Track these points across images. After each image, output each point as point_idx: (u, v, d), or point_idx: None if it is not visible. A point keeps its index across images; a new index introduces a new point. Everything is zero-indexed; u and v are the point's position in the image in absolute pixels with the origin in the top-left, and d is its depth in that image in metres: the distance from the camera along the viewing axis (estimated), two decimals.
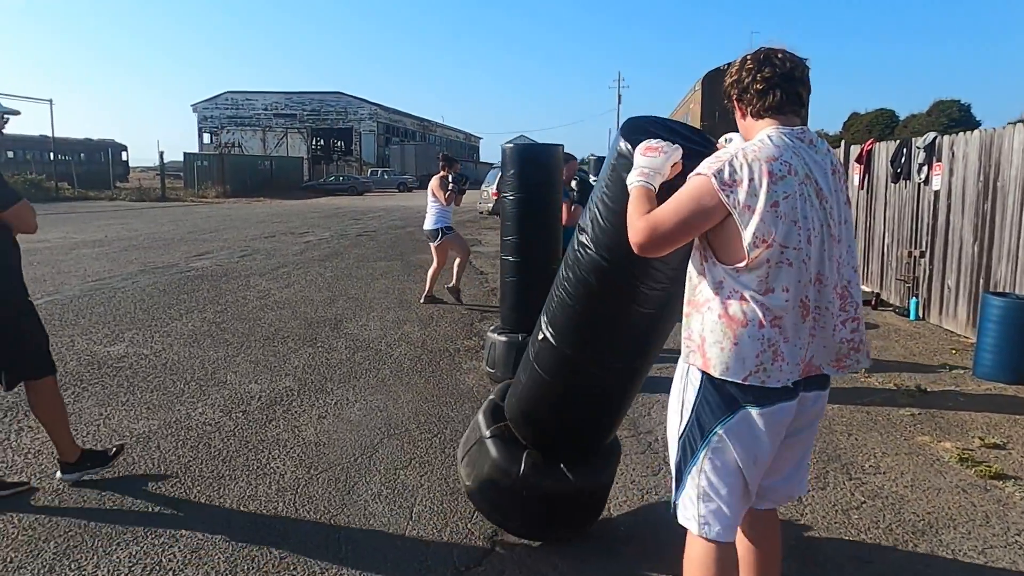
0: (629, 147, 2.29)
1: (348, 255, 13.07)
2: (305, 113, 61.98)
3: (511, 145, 5.51)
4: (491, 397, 3.39)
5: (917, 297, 7.80)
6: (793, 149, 1.99)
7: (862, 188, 9.41)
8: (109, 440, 4.16)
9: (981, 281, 6.64)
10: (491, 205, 19.44)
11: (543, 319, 2.93)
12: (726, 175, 1.95)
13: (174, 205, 30.53)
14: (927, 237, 7.72)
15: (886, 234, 8.79)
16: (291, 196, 39.53)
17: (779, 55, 2.09)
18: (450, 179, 8.32)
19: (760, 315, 1.95)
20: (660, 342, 2.76)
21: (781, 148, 1.98)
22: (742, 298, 1.98)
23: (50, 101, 31.38)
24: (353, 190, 44.89)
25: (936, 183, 7.51)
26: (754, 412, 2.05)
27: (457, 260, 8.51)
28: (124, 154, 53.33)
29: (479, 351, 6.39)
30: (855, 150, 10.15)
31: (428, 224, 8.41)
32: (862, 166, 9.41)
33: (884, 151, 8.91)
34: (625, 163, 2.27)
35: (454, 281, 8.58)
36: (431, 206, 8.39)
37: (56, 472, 3.67)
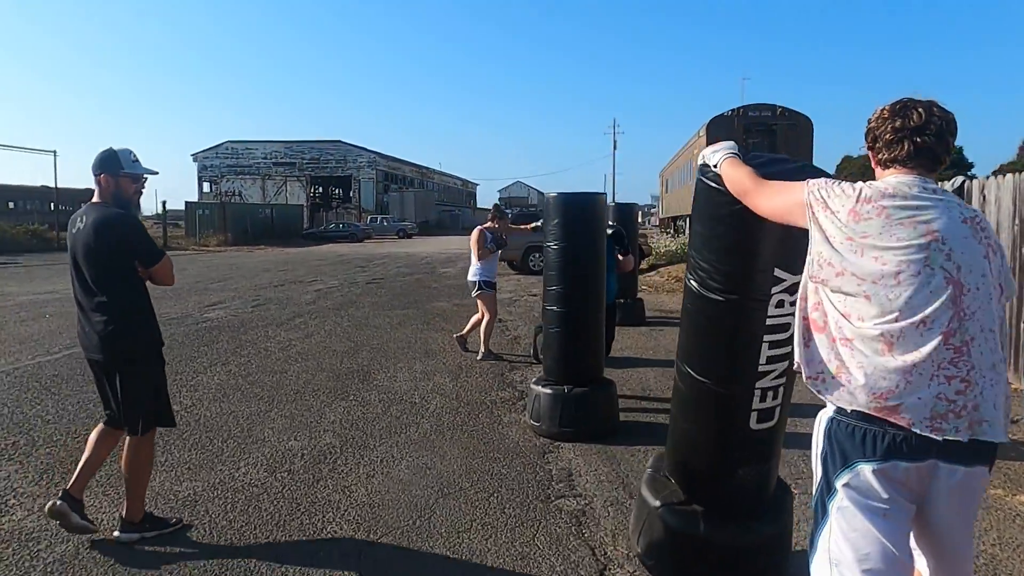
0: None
1: (362, 303, 12.96)
2: (304, 161, 62.52)
3: (554, 194, 5.47)
4: (648, 471, 3.48)
5: None
6: (911, 196, 1.96)
7: None
8: (154, 503, 3.99)
9: (1022, 325, 6.56)
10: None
11: (682, 364, 3.14)
12: (823, 190, 2.07)
13: (177, 254, 30.46)
14: None
15: None
16: (292, 244, 39.60)
17: (918, 108, 2.04)
18: (489, 237, 8.20)
19: (832, 331, 2.03)
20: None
21: (895, 192, 1.98)
22: (821, 309, 2.08)
23: (54, 152, 31.52)
24: (353, 237, 45.02)
25: None
26: (867, 469, 1.96)
27: (483, 318, 8.23)
28: None
29: (516, 403, 6.27)
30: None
31: (470, 275, 8.25)
32: None
33: None
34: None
35: (465, 330, 8.51)
36: (474, 256, 8.19)
37: (115, 531, 3.53)
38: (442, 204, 73.89)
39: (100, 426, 3.67)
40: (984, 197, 7.22)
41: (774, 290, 2.78)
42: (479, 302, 8.18)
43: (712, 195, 2.83)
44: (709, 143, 14.38)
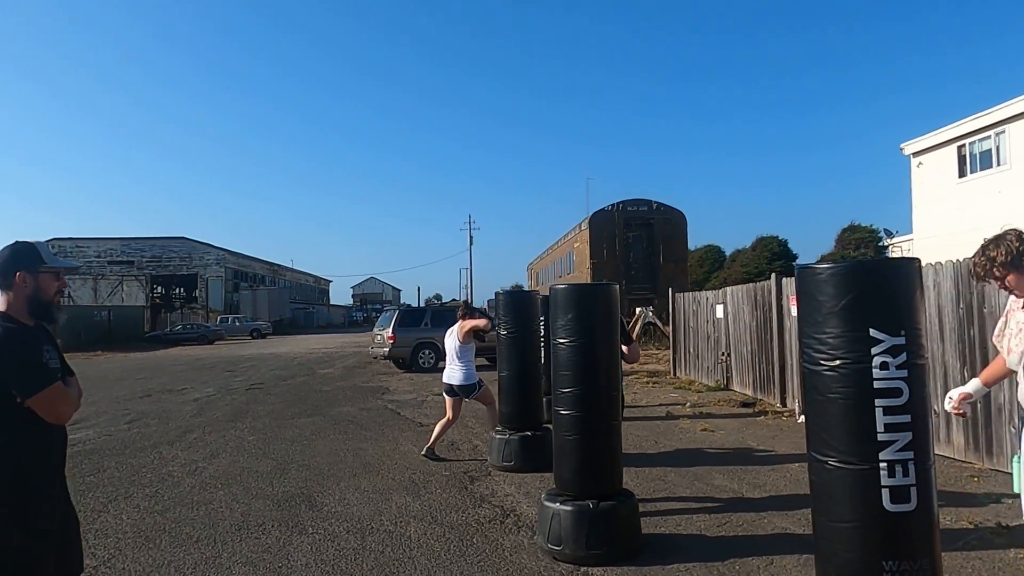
0: None
1: (256, 413, 11.62)
2: (145, 260, 58.25)
3: (564, 286, 5.00)
4: None
5: None
6: None
7: None
8: None
9: (979, 405, 6.76)
10: (386, 350, 18.46)
11: (810, 452, 3.01)
12: None
13: None
14: None
15: None
16: (135, 348, 36.08)
17: None
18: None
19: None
20: None
21: None
22: None
23: None
24: (204, 339, 41.85)
25: None
26: None
27: (449, 420, 7.83)
28: None
29: (503, 521, 5.55)
30: (789, 282, 10.56)
31: (462, 378, 7.66)
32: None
33: None
34: None
35: (432, 440, 7.86)
36: (461, 356, 7.69)
37: None
38: (296, 302, 70.97)
39: None
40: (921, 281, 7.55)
41: (874, 351, 2.85)
42: (485, 398, 7.85)
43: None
44: (592, 236, 14.69)
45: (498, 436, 7.34)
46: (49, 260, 2.66)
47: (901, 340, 2.83)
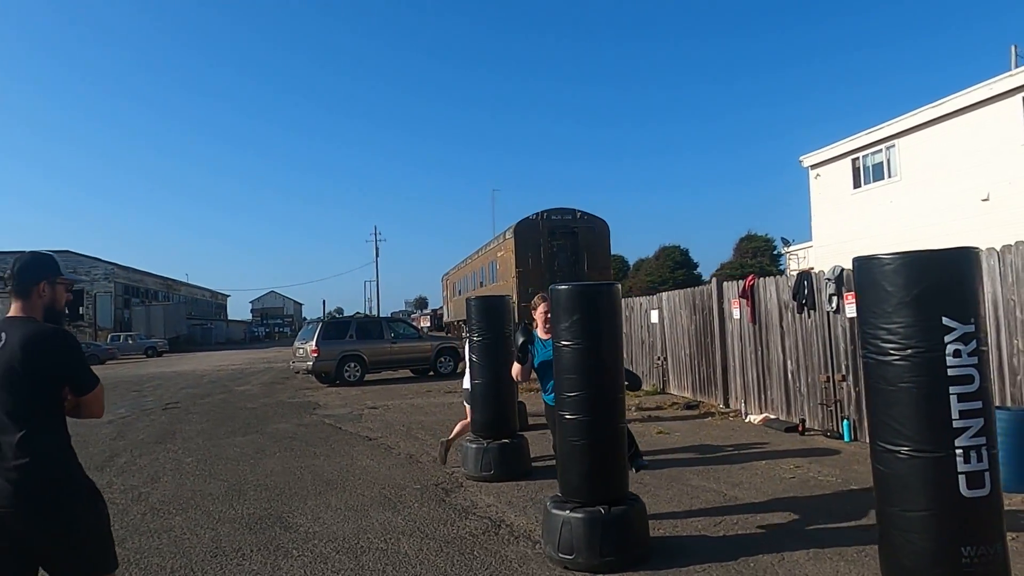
0: None
1: (185, 433, 10.88)
2: None
3: (565, 287, 4.88)
4: None
5: (848, 419, 8.20)
6: None
7: (753, 322, 9.98)
8: None
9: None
10: (310, 363, 17.75)
11: (876, 442, 3.01)
12: None
13: None
14: (846, 361, 8.24)
15: (788, 362, 9.30)
16: None
17: None
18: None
19: None
20: None
21: None
22: None
23: None
24: (95, 359, 38.95)
25: (851, 311, 8.13)
26: None
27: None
28: None
29: (497, 532, 5.37)
30: (730, 286, 10.87)
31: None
32: (748, 300, 10.04)
33: (774, 285, 9.61)
34: None
35: (453, 435, 7.97)
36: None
37: None
38: (192, 318, 67.52)
39: None
40: None
41: (947, 339, 2.88)
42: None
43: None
44: (518, 245, 14.95)
45: (474, 445, 7.14)
46: (63, 272, 2.88)
47: (971, 327, 2.88)
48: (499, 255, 22.10)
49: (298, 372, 18.92)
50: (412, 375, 19.84)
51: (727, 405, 10.86)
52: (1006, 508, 5.22)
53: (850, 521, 5.31)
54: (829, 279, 8.38)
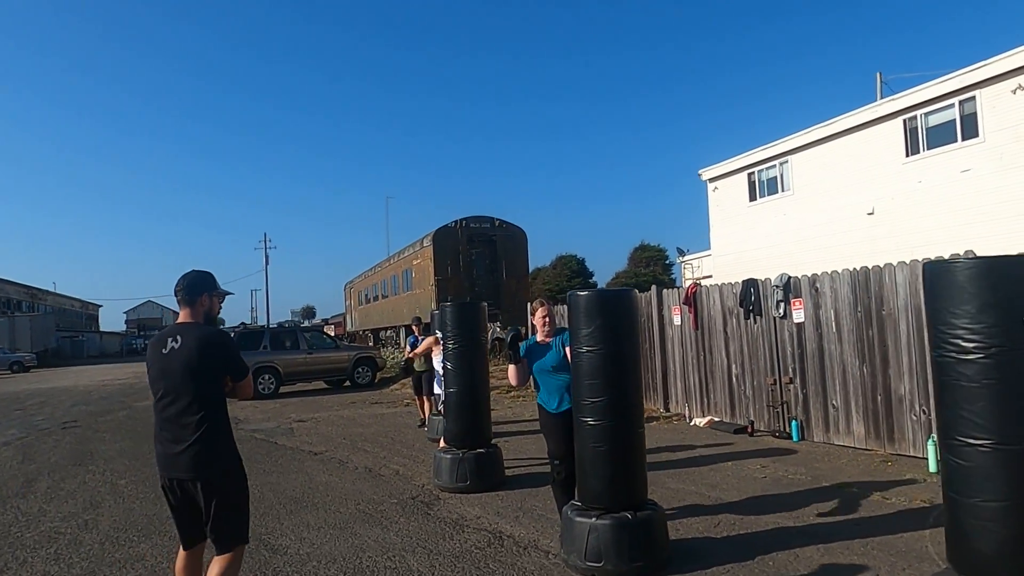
0: None
1: (103, 453, 10.01)
2: None
3: (585, 293, 4.85)
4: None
5: (796, 420, 8.59)
6: None
7: (696, 328, 10.30)
8: None
9: (880, 397, 7.57)
10: None
11: (953, 438, 3.13)
12: None
13: None
14: (793, 364, 8.65)
15: (733, 366, 9.66)
16: None
17: None
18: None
19: None
20: None
21: None
22: None
23: None
24: None
25: (798, 316, 8.55)
26: None
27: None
28: None
29: (501, 543, 5.25)
30: (671, 294, 11.19)
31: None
32: (690, 307, 10.36)
33: (718, 293, 9.96)
34: None
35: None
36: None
37: None
38: (61, 329, 62.47)
39: (182, 553, 3.56)
40: (817, 289, 8.34)
41: None
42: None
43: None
44: (436, 253, 15.09)
45: (448, 456, 6.95)
46: (220, 286, 3.68)
47: None
48: (415, 263, 21.79)
49: None
50: (327, 386, 19.22)
51: (667, 409, 11.16)
52: None
53: (839, 516, 5.55)
54: (777, 286, 8.77)
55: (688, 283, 10.68)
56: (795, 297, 8.61)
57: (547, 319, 5.53)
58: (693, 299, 10.35)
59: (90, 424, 13.68)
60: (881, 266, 7.59)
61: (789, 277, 8.79)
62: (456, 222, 20.28)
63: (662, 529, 4.74)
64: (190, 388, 3.35)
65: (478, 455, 6.92)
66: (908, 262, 7.34)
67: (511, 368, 5.44)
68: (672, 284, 50.63)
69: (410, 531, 5.67)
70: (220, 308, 3.71)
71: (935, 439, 6.81)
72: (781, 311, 8.75)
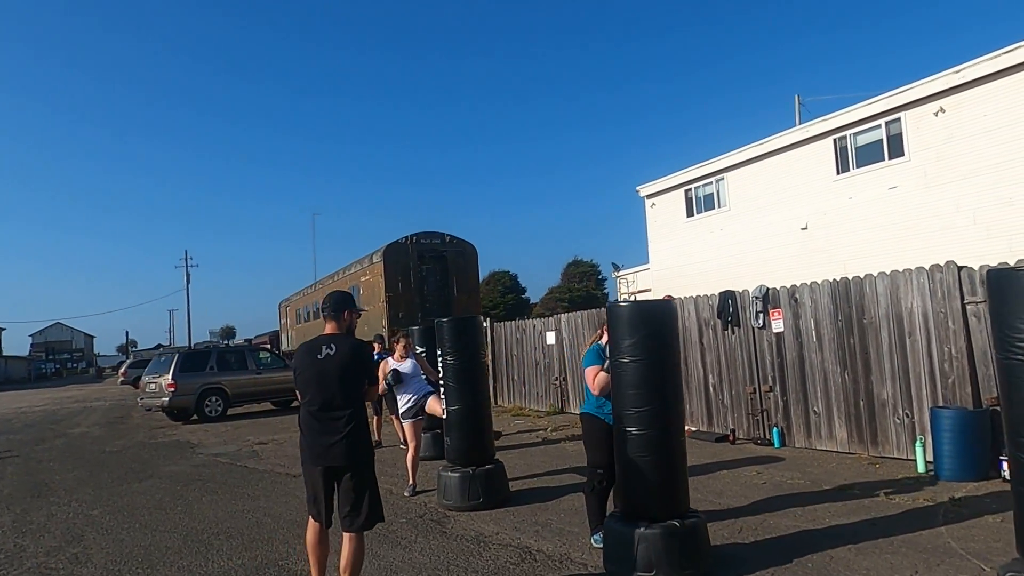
0: None
1: (62, 484, 9.38)
2: None
3: (626, 304, 4.89)
4: None
5: (777, 427, 8.86)
6: None
7: None
8: None
9: (862, 402, 7.89)
10: (166, 399, 16.06)
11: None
12: None
13: None
14: (773, 373, 8.93)
15: (710, 376, 9.89)
16: None
17: None
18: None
19: None
20: None
21: None
22: None
23: None
24: None
25: (777, 326, 8.84)
26: None
27: (412, 450, 7.68)
28: None
29: (534, 558, 5.20)
30: None
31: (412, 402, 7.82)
32: None
33: (694, 304, 10.19)
34: None
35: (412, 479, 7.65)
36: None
37: None
38: None
39: (316, 529, 4.15)
40: (796, 300, 8.65)
41: None
42: (410, 429, 7.65)
43: None
44: (387, 269, 15.04)
45: (456, 474, 6.83)
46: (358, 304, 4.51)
47: None
48: (363, 279, 21.42)
49: (150, 409, 17.04)
50: (274, 408, 18.62)
51: None
52: (960, 496, 5.94)
53: (853, 517, 5.72)
54: (757, 297, 9.06)
55: (662, 295, 10.86)
56: (774, 308, 8.91)
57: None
58: None
59: (29, 454, 12.81)
60: (862, 276, 7.95)
61: (767, 288, 9.08)
62: (406, 238, 20.08)
63: (706, 536, 4.80)
64: (343, 389, 4.04)
65: (488, 471, 6.84)
66: (889, 272, 7.70)
67: (601, 375, 5.22)
68: (606, 299, 51.65)
69: (433, 550, 5.55)
70: (356, 323, 4.38)
71: (922, 440, 7.16)
72: (760, 321, 9.02)
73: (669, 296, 11.06)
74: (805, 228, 20.68)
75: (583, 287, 56.20)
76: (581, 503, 6.68)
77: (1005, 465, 6.40)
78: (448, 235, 20.65)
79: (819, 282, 8.47)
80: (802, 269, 17.93)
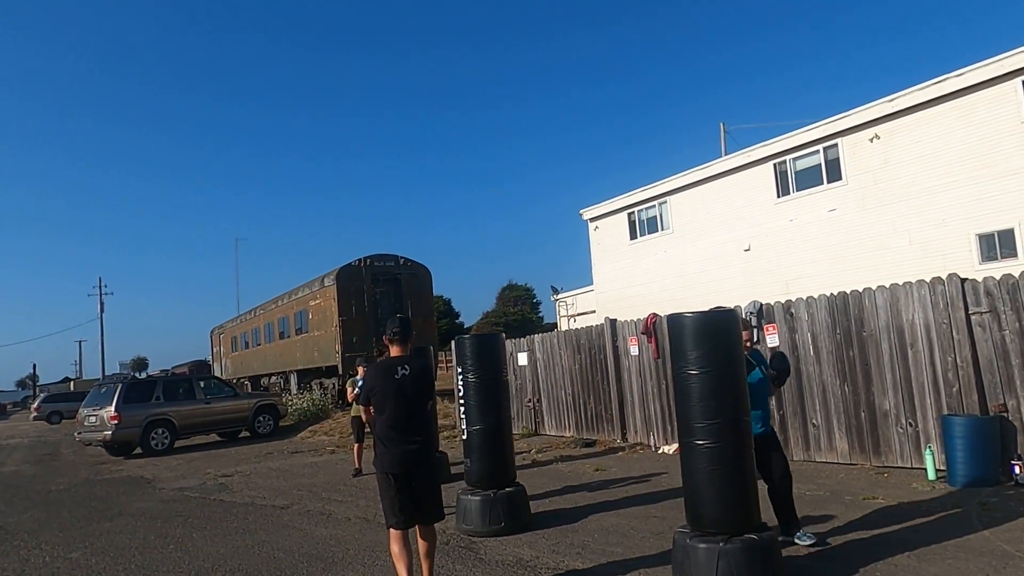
0: None
1: (21, 526, 8.55)
2: None
3: (693, 315, 4.81)
4: None
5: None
6: None
7: (657, 357, 10.52)
8: None
9: (864, 413, 8.06)
10: (108, 432, 14.99)
11: None
12: None
13: None
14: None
15: None
16: None
17: None
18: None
19: None
20: None
21: None
22: None
23: None
24: None
25: (772, 341, 8.97)
26: None
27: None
28: None
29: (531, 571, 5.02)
30: (627, 325, 11.37)
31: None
32: (650, 337, 10.57)
33: None
34: None
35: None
36: None
37: None
38: None
39: (399, 535, 4.55)
40: (792, 315, 8.80)
41: None
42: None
43: None
44: (340, 293, 14.93)
45: (477, 498, 6.55)
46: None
47: None
48: (313, 303, 20.77)
49: (90, 444, 15.89)
50: (220, 439, 17.72)
51: (625, 439, 11.25)
52: (984, 500, 6.06)
53: (894, 525, 5.76)
54: (752, 312, 9.18)
55: (647, 313, 10.88)
56: (768, 323, 9.05)
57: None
58: (653, 329, 10.58)
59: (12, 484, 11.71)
60: (860, 290, 8.15)
61: (761, 304, 9.23)
62: (360, 260, 19.62)
63: (779, 550, 4.73)
64: (418, 401, 4.68)
65: (510, 495, 6.60)
66: (888, 286, 7.93)
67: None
68: (541, 323, 51.88)
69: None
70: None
71: (931, 448, 7.35)
72: (755, 337, 9.14)
73: (655, 314, 11.11)
74: (748, 249, 21.26)
75: (518, 311, 56.30)
76: (610, 523, 6.59)
77: (1017, 469, 6.69)
78: (402, 257, 20.30)
79: (815, 296, 8.64)
80: (748, 288, 18.42)
